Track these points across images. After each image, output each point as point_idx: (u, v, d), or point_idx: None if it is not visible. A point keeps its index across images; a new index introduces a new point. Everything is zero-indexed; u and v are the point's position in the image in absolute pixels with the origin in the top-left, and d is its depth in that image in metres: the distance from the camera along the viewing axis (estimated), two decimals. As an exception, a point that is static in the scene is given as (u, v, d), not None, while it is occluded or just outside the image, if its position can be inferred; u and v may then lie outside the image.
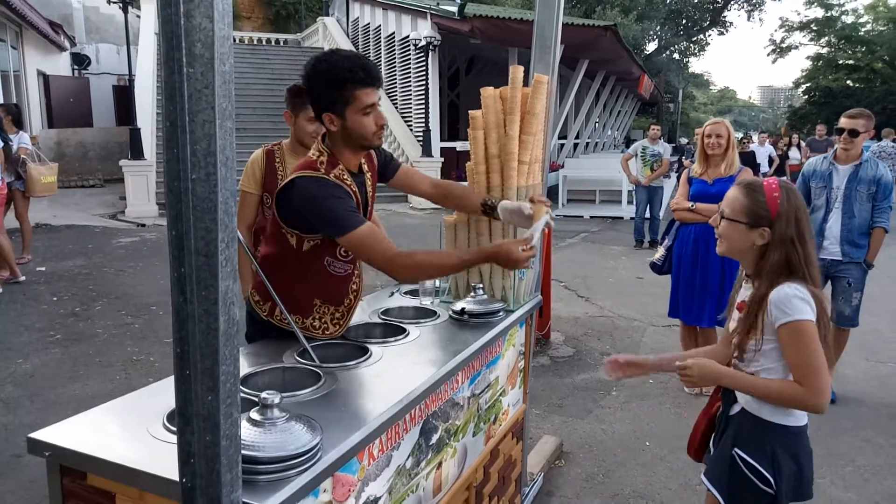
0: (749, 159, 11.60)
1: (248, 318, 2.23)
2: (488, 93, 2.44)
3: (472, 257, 2.02)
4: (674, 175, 12.22)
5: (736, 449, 1.74)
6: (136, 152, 11.49)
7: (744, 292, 1.81)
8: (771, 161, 12.81)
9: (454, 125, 20.08)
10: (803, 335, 1.61)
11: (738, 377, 1.73)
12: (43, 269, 7.18)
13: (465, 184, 2.54)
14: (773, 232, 1.69)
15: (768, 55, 35.55)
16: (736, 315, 1.82)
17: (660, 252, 4.32)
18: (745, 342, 1.72)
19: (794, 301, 1.62)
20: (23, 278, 6.56)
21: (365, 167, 2.09)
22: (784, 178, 1.78)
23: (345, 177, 1.94)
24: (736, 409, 1.80)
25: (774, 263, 1.68)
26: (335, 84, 1.83)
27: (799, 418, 1.72)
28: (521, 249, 1.96)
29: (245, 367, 1.76)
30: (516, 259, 1.96)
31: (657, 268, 4.33)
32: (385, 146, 15.42)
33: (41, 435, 1.40)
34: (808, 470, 1.73)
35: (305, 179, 1.87)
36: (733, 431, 1.78)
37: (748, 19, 38.50)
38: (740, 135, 26.79)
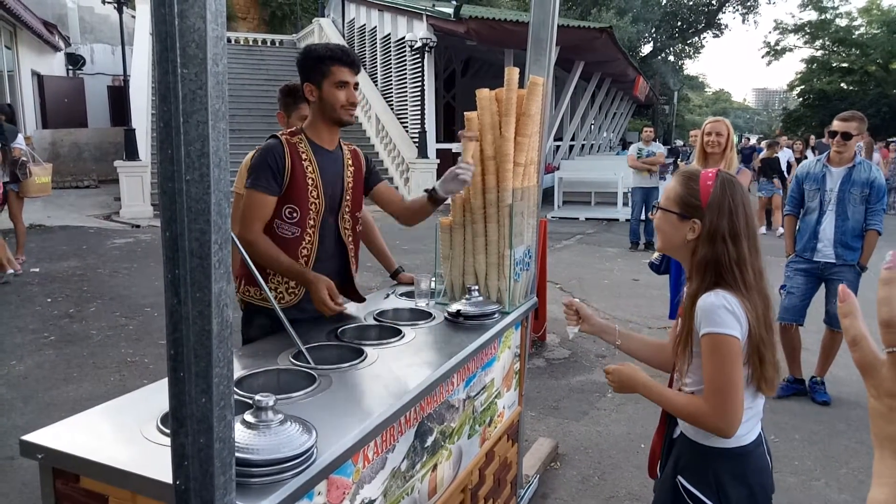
0: (775, 166, 10.77)
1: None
2: (484, 94, 2.44)
3: (293, 272, 2.15)
4: (669, 177, 12.12)
5: (679, 476, 1.60)
6: (131, 153, 11.45)
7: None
8: (790, 166, 11.76)
9: (450, 126, 20.09)
10: (719, 350, 1.46)
11: (652, 388, 1.60)
12: (37, 270, 7.16)
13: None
14: (702, 224, 1.52)
15: (763, 57, 35.54)
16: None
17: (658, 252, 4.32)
18: (680, 353, 1.58)
19: (720, 312, 1.45)
20: (10, 271, 6.56)
21: (346, 152, 2.33)
22: (724, 171, 1.64)
23: (301, 145, 2.18)
24: (677, 431, 1.67)
25: (701, 260, 1.52)
26: (317, 59, 2.15)
27: (740, 438, 1.54)
28: (330, 300, 2.09)
29: (239, 369, 1.75)
30: (319, 300, 2.10)
31: (655, 267, 4.33)
32: (381, 148, 15.32)
33: (34, 437, 1.39)
34: (761, 490, 1.57)
35: (269, 139, 2.20)
36: (675, 456, 1.65)
37: (743, 22, 38.79)
38: (750, 137, 26.67)
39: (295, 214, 2.18)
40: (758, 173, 11.03)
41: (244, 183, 2.76)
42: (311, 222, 2.20)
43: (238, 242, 1.82)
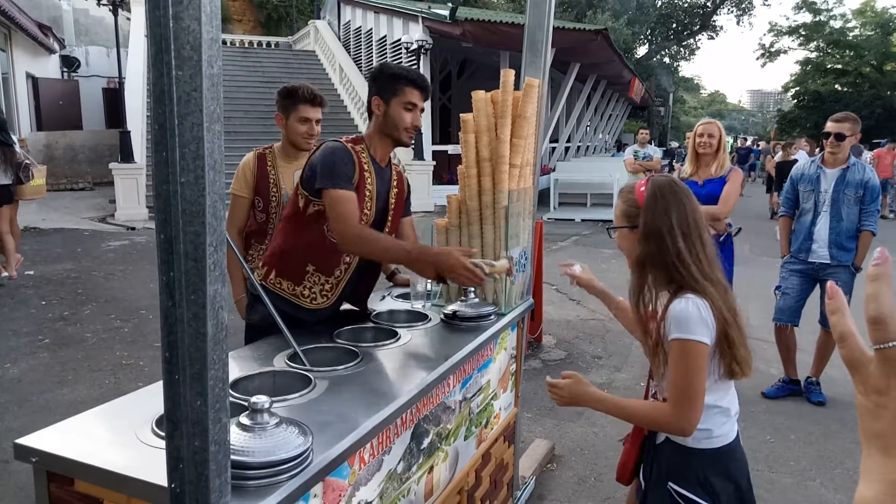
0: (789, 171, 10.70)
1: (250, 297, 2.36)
2: (479, 96, 2.44)
3: (416, 253, 2.03)
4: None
5: (670, 483, 1.62)
6: (126, 155, 11.42)
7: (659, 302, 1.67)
8: None
9: (446, 128, 20.11)
10: (688, 357, 1.50)
11: (606, 401, 1.63)
12: (31, 272, 7.13)
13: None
14: (641, 223, 1.59)
15: (758, 59, 35.89)
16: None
17: None
18: (654, 358, 1.61)
19: (693, 319, 1.50)
20: (5, 274, 6.55)
21: (393, 172, 2.30)
22: (656, 175, 1.68)
23: (363, 155, 2.13)
24: (661, 438, 1.68)
25: (641, 255, 1.58)
26: (392, 77, 2.14)
27: (725, 436, 1.60)
28: (464, 260, 1.96)
29: (235, 371, 1.75)
30: (456, 265, 1.95)
31: None
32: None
33: (28, 441, 1.38)
34: (744, 484, 1.63)
35: (331, 142, 2.13)
36: (663, 463, 1.66)
37: (738, 24, 38.65)
38: (747, 139, 26.57)
39: None
40: (772, 178, 10.64)
41: (241, 185, 2.78)
42: None
43: (232, 243, 1.81)
